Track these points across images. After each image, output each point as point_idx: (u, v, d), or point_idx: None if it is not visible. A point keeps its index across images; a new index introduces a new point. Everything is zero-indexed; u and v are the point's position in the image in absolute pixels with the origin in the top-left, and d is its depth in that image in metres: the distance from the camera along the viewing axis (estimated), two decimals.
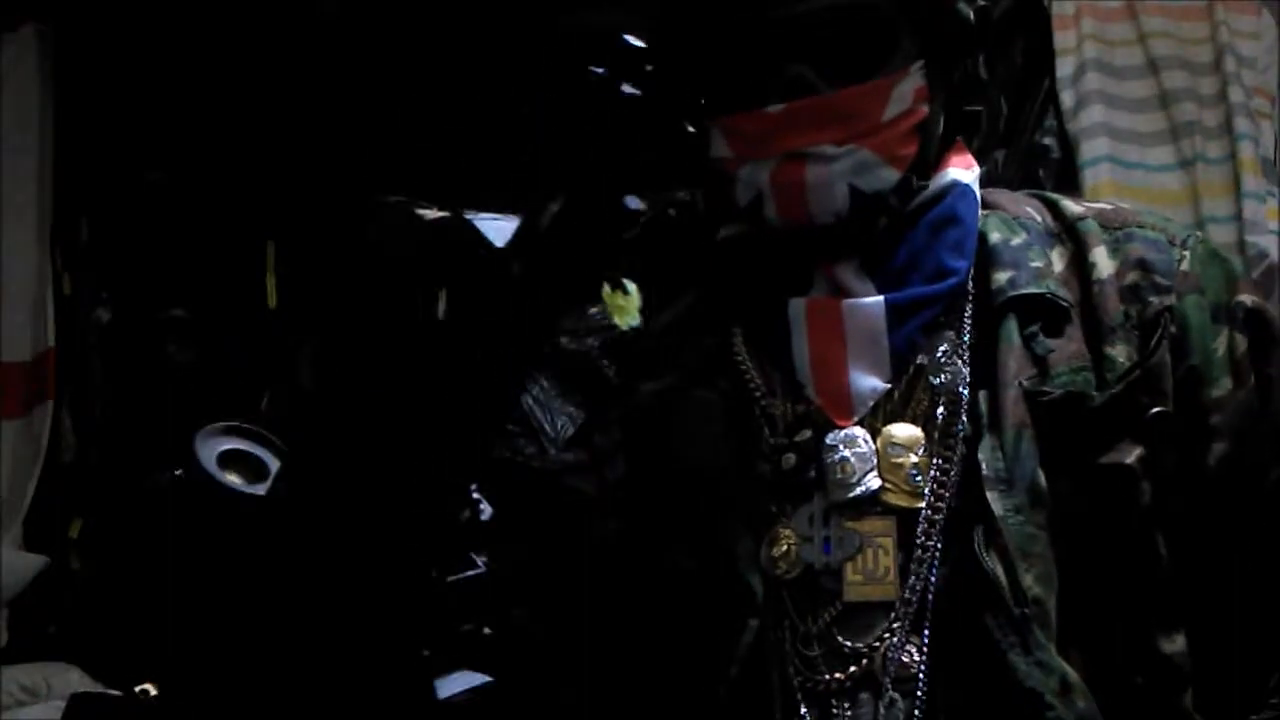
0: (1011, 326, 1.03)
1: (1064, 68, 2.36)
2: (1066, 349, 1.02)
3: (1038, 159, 2.36)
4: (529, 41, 2.38)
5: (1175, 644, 1.00)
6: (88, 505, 2.48)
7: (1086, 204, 1.11)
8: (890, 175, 1.02)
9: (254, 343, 2.47)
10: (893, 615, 0.99)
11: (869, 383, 1.03)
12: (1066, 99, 2.36)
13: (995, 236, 1.07)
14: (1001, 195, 1.13)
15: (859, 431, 1.02)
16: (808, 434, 1.03)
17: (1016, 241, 1.07)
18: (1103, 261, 1.04)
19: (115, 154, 2.56)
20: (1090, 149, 2.31)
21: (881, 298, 1.03)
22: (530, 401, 2.41)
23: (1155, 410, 1.00)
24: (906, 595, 0.99)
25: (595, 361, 2.42)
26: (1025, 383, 1.01)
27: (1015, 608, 0.95)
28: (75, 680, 2.21)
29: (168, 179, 2.54)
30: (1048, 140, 2.39)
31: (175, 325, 2.51)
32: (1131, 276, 1.04)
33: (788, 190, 1.02)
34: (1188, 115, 2.32)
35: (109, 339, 2.54)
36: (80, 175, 2.57)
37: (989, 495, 0.98)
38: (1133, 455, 0.99)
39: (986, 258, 1.06)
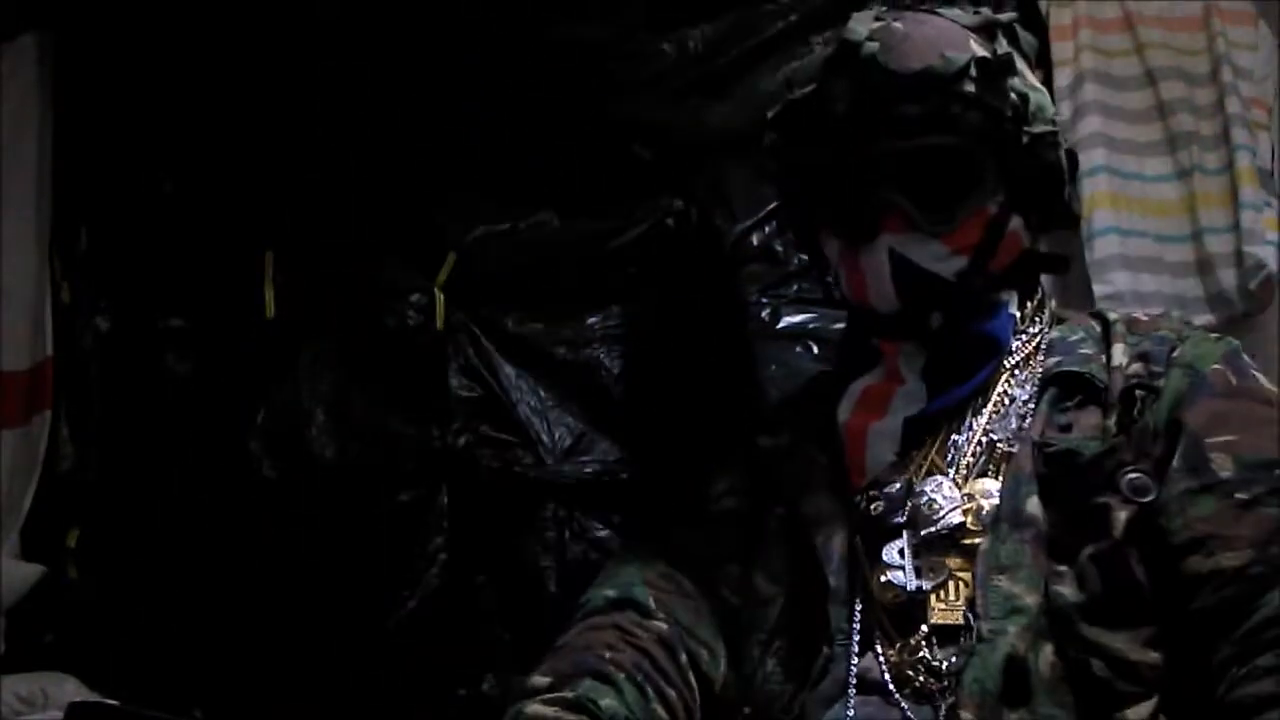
0: (1046, 398, 1.28)
1: (1061, 78, 2.36)
2: (1088, 420, 1.24)
3: None
4: (522, 50, 2.39)
5: (1147, 655, 1.15)
6: (85, 515, 2.48)
7: (1128, 313, 1.39)
8: (957, 262, 1.27)
9: (252, 353, 2.47)
10: (962, 637, 1.19)
11: (881, 455, 1.29)
12: (1064, 109, 2.35)
13: (1054, 334, 1.35)
14: (1068, 312, 1.42)
15: (944, 480, 1.25)
16: (896, 485, 1.26)
17: (1074, 338, 1.34)
18: (1118, 355, 1.28)
19: (115, 163, 2.56)
20: (1088, 159, 2.30)
21: (902, 418, 1.29)
22: (528, 411, 2.41)
23: (1131, 474, 1.20)
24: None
25: (594, 371, 2.42)
26: (1036, 439, 1.24)
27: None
28: (72, 690, 2.21)
29: (167, 188, 2.54)
30: None
31: (174, 335, 2.51)
32: (1135, 366, 1.26)
33: (851, 275, 1.32)
34: (1185, 126, 2.31)
35: (107, 348, 2.54)
36: (79, 184, 2.57)
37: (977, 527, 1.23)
38: (1106, 497, 1.19)
39: (1048, 349, 1.33)
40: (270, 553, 2.37)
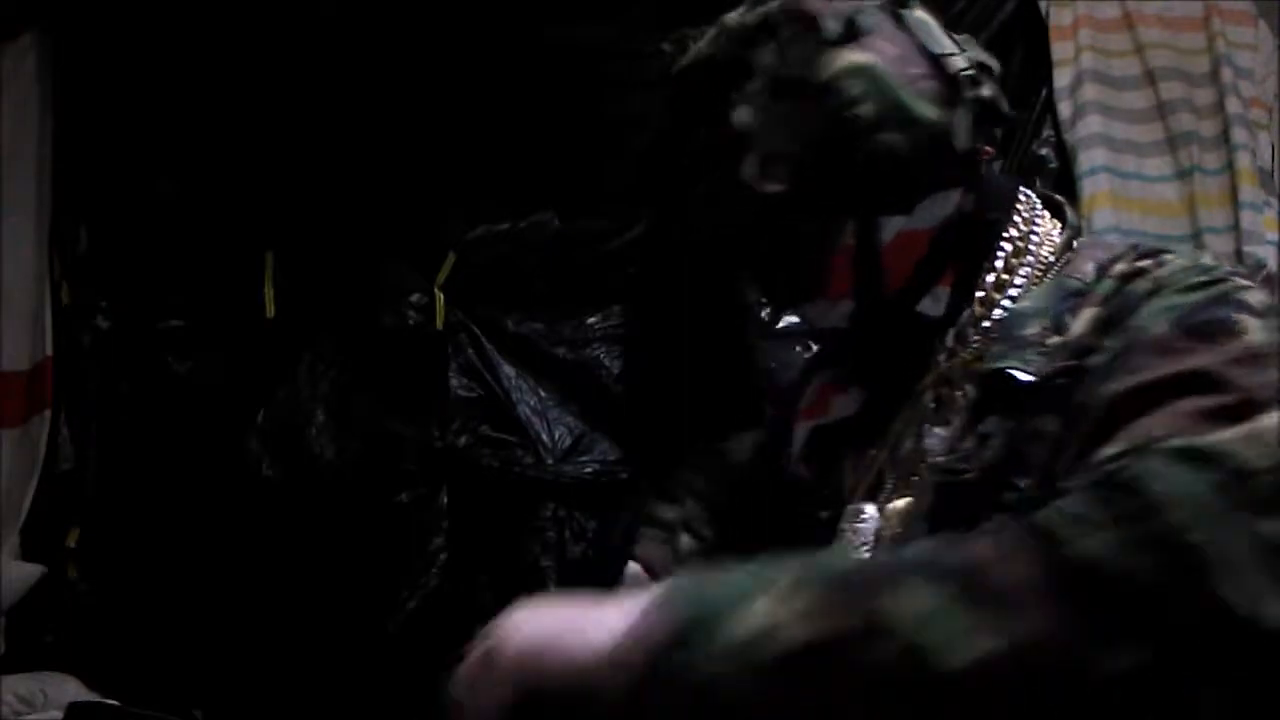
0: (966, 403, 0.99)
1: (1061, 78, 2.36)
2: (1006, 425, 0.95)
3: (1035, 169, 2.36)
4: (523, 50, 2.39)
5: None
6: (85, 515, 2.49)
7: (1166, 260, 0.95)
8: (842, 309, 1.06)
9: (252, 353, 2.47)
10: None
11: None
12: (1064, 109, 2.35)
13: (1024, 304, 1.00)
14: (1092, 247, 1.03)
15: (869, 509, 1.05)
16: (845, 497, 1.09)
17: (1037, 306, 0.99)
18: (1079, 324, 0.95)
19: (115, 163, 2.56)
20: (1088, 159, 2.31)
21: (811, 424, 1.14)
22: (528, 411, 2.41)
23: (1015, 495, 0.91)
24: None
25: (594, 371, 2.42)
26: (934, 460, 0.99)
27: None
28: (72, 689, 2.21)
29: (167, 188, 2.54)
30: (1045, 150, 2.39)
31: (174, 335, 2.51)
32: (1090, 339, 0.94)
33: None
34: (1185, 126, 2.31)
35: (107, 348, 2.54)
36: (79, 184, 2.57)
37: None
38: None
39: (1000, 327, 1.00)
40: (270, 552, 2.37)
